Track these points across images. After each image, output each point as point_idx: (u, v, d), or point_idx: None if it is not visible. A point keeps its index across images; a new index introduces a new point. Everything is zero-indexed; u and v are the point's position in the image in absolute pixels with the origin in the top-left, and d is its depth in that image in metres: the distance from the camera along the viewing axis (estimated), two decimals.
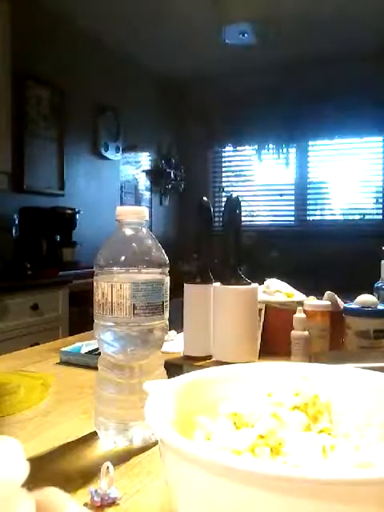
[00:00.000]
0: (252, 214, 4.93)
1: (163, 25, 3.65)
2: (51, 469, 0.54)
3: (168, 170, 4.79)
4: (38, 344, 1.31)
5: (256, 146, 4.81)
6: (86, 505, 0.46)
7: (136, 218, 0.62)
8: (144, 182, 4.63)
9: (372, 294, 1.09)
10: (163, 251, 0.63)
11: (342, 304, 1.02)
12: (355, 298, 1.01)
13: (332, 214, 4.77)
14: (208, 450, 0.36)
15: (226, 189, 5.04)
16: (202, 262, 0.97)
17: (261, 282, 1.06)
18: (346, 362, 0.73)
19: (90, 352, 0.95)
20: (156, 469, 0.53)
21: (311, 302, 0.99)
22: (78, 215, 3.39)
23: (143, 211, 0.62)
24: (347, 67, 4.15)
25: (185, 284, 0.96)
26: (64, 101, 3.50)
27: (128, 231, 0.62)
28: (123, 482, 0.50)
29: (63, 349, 0.99)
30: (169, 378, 0.53)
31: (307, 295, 1.06)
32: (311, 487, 0.30)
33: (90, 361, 0.91)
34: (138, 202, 4.47)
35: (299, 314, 0.93)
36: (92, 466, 0.54)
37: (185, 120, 4.87)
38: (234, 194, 0.94)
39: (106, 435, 0.60)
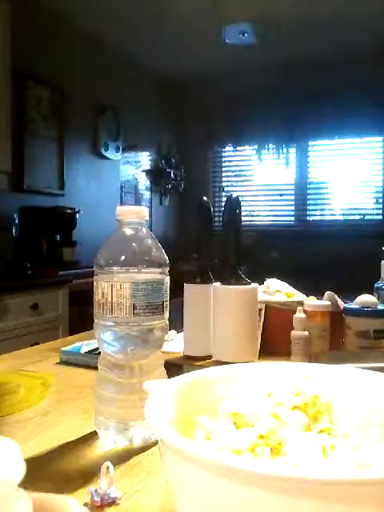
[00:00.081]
0: (252, 213, 4.93)
1: (163, 25, 3.65)
2: (51, 468, 0.54)
3: (168, 170, 4.79)
4: (37, 344, 1.31)
5: (256, 146, 4.82)
6: (86, 505, 0.46)
7: (136, 217, 0.62)
8: (144, 182, 4.63)
9: (372, 294, 1.09)
10: (163, 251, 0.63)
11: (341, 304, 1.02)
12: (355, 298, 1.01)
13: (332, 214, 4.77)
14: (208, 450, 0.36)
15: (226, 189, 5.04)
16: (202, 262, 0.97)
17: (261, 282, 1.05)
18: (346, 362, 0.73)
19: (90, 352, 0.95)
20: (156, 469, 0.53)
21: (311, 302, 0.99)
22: (77, 215, 3.39)
23: (143, 211, 0.62)
24: (346, 68, 4.15)
25: (185, 284, 0.96)
26: (64, 101, 3.50)
27: (128, 231, 0.62)
28: (123, 482, 0.50)
29: (63, 348, 0.99)
30: (169, 377, 0.53)
31: (307, 295, 1.06)
32: (311, 487, 0.30)
33: (89, 360, 0.91)
34: (137, 201, 4.47)
35: (299, 314, 0.93)
36: (92, 466, 0.54)
37: (185, 120, 4.88)
38: (234, 194, 0.94)
39: (105, 435, 0.60)
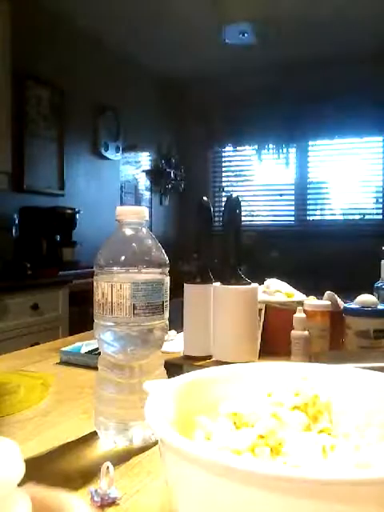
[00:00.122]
0: (252, 213, 4.93)
1: (163, 25, 3.65)
2: (51, 469, 0.54)
3: (168, 170, 4.79)
4: (38, 344, 1.31)
5: (256, 146, 4.82)
6: None
7: (136, 217, 0.62)
8: (144, 182, 4.63)
9: (372, 293, 1.09)
10: (163, 251, 0.63)
11: (341, 304, 1.02)
12: (355, 298, 1.01)
13: (332, 214, 4.77)
14: (208, 450, 0.36)
15: (226, 189, 5.04)
16: (202, 262, 0.97)
17: (261, 282, 1.05)
18: (346, 362, 0.73)
19: (90, 352, 0.95)
20: (156, 469, 0.53)
21: (311, 302, 0.99)
22: (77, 215, 3.39)
23: (143, 211, 0.62)
24: (346, 68, 4.15)
25: (185, 284, 0.96)
26: (64, 101, 3.51)
27: (128, 231, 0.62)
28: (123, 482, 0.50)
29: (63, 349, 0.99)
30: (169, 377, 0.53)
31: (307, 295, 1.06)
32: (311, 487, 0.30)
33: (89, 361, 0.91)
34: (138, 201, 4.47)
35: (299, 314, 0.93)
36: (92, 466, 0.54)
37: (185, 120, 4.88)
38: (234, 194, 0.94)
39: (105, 435, 0.60)
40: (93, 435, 0.62)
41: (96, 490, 0.47)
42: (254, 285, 0.91)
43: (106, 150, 4.01)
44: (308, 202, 4.77)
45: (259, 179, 4.97)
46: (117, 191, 4.23)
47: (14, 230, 2.91)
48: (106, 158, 4.04)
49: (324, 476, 0.30)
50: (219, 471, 0.32)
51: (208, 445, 0.40)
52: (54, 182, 3.47)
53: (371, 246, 2.42)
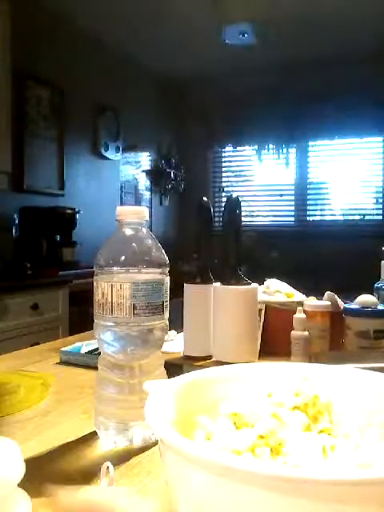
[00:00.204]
0: (252, 214, 4.93)
1: (163, 25, 3.65)
2: (51, 469, 0.54)
3: (168, 170, 4.79)
4: (38, 344, 1.31)
5: (256, 146, 4.82)
6: None
7: (136, 218, 0.62)
8: (144, 182, 4.63)
9: (372, 294, 1.09)
10: (163, 251, 0.63)
11: (341, 304, 1.02)
12: (355, 298, 1.01)
13: (332, 215, 4.77)
14: (208, 450, 0.36)
15: (226, 189, 5.04)
16: (202, 262, 0.97)
17: (261, 282, 1.05)
18: (346, 362, 0.73)
19: (90, 352, 0.95)
20: (156, 469, 0.53)
21: (311, 302, 0.99)
22: (77, 215, 3.39)
23: (143, 211, 0.62)
24: (346, 68, 4.15)
25: (185, 284, 0.96)
26: (64, 101, 3.51)
27: (128, 231, 0.62)
28: (123, 482, 0.50)
29: (63, 349, 0.99)
30: (169, 377, 0.53)
31: (307, 295, 1.06)
32: (311, 487, 0.30)
33: (89, 361, 0.91)
34: (138, 202, 4.47)
35: (299, 314, 0.93)
36: (92, 466, 0.54)
37: (185, 120, 4.88)
38: (234, 194, 0.94)
39: (106, 435, 0.60)
40: (93, 435, 0.62)
41: None
42: (254, 285, 0.91)
43: (106, 150, 4.01)
44: (308, 202, 4.77)
45: (259, 179, 4.97)
46: (117, 191, 4.23)
47: (13, 230, 2.91)
48: (106, 158, 4.04)
49: (324, 476, 0.30)
50: (219, 471, 0.32)
51: (208, 445, 0.40)
52: (53, 182, 3.47)
53: (371, 246, 2.42)
